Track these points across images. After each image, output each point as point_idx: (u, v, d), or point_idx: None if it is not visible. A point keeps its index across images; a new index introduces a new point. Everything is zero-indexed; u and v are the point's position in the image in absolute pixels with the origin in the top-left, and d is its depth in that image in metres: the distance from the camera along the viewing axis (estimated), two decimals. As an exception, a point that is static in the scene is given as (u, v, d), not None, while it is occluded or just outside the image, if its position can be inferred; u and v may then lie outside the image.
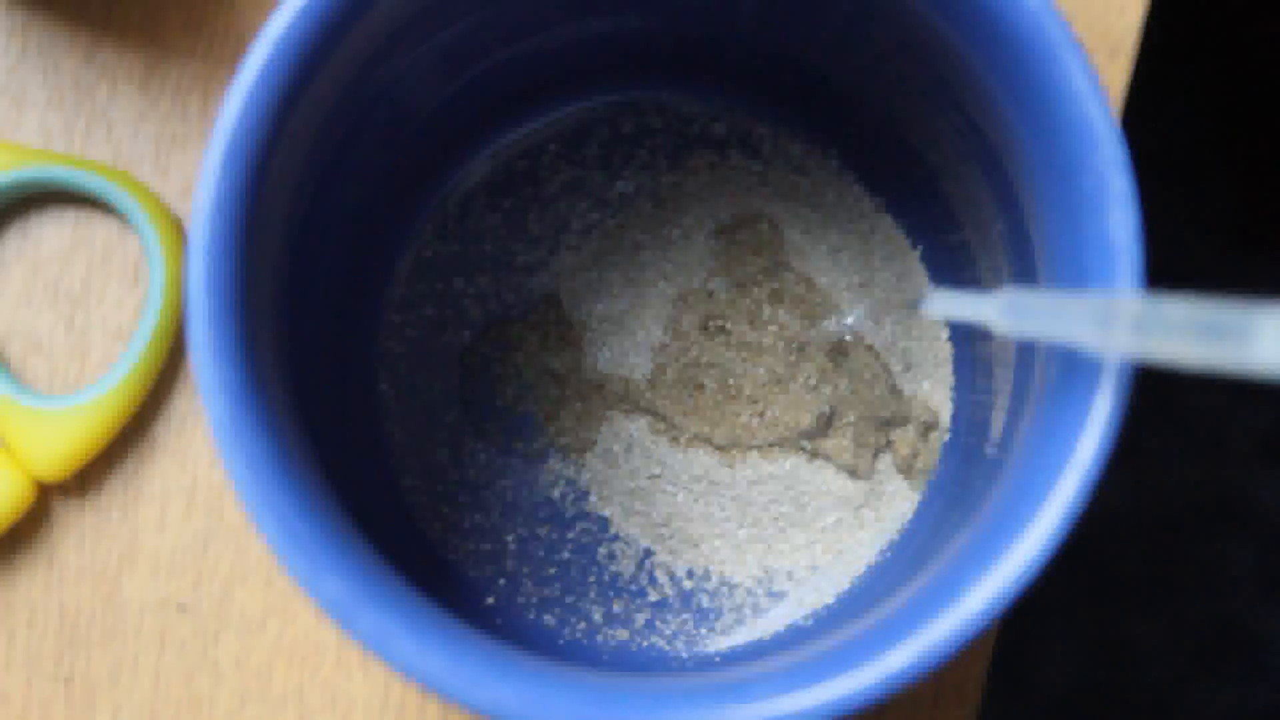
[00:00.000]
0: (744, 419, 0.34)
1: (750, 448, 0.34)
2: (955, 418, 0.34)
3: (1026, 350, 0.28)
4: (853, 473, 0.34)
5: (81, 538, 0.36)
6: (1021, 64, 0.25)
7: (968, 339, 0.34)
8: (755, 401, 0.34)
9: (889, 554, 0.34)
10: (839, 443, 0.34)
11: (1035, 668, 0.88)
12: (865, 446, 0.34)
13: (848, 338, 0.34)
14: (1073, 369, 0.24)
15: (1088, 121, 0.24)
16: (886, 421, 0.34)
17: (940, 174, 0.33)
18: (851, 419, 0.34)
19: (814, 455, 0.34)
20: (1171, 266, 0.88)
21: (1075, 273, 0.25)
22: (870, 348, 0.34)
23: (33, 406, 0.34)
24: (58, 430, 0.34)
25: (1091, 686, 0.87)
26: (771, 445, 0.34)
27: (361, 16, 0.25)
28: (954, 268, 0.34)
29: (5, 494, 0.34)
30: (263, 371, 0.25)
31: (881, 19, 0.28)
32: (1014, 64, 0.25)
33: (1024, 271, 0.28)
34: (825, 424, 0.34)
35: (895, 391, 0.34)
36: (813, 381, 0.34)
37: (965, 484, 0.31)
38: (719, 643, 0.34)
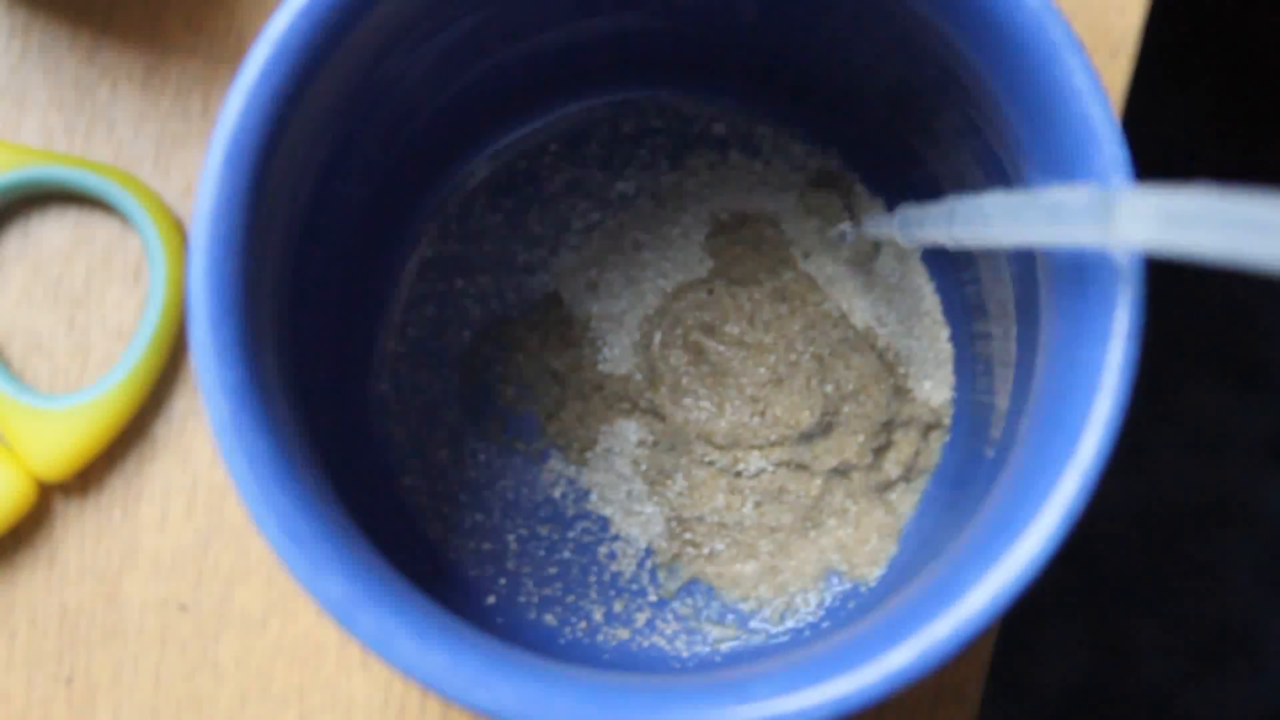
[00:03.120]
0: (744, 418, 0.34)
1: (751, 447, 0.34)
2: (955, 418, 0.34)
3: (1027, 350, 0.28)
4: (853, 472, 0.34)
5: (83, 537, 0.36)
6: (1022, 63, 0.25)
7: (969, 339, 0.34)
8: (756, 400, 0.34)
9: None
10: (840, 442, 0.34)
11: (1035, 667, 0.88)
12: (867, 447, 0.34)
13: (850, 337, 0.34)
14: (1074, 369, 0.24)
15: (1088, 121, 0.24)
16: (888, 422, 0.34)
17: (941, 175, 0.33)
18: (853, 419, 0.34)
19: (815, 454, 0.34)
20: (1171, 266, 0.88)
21: (1074, 271, 0.25)
22: (873, 346, 0.34)
23: (34, 406, 0.34)
24: (59, 430, 0.34)
25: (1091, 686, 0.87)
26: (773, 445, 0.34)
27: (362, 17, 0.25)
28: (955, 267, 0.34)
29: (6, 493, 0.34)
30: (264, 371, 0.25)
31: (882, 19, 0.28)
32: (1015, 63, 0.25)
33: (1024, 271, 0.28)
34: (827, 424, 0.34)
35: (898, 391, 0.34)
36: (814, 381, 0.34)
37: (965, 484, 0.31)
38: (720, 643, 0.34)
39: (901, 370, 0.35)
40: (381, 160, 0.32)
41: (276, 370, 0.25)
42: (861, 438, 0.34)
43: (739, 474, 0.35)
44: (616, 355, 0.35)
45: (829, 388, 0.34)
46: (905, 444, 0.34)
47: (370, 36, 0.26)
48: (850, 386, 0.34)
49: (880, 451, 0.34)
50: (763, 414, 0.34)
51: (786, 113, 0.35)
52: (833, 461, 0.34)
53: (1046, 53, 0.25)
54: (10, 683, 0.35)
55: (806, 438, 0.34)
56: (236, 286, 0.24)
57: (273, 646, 0.36)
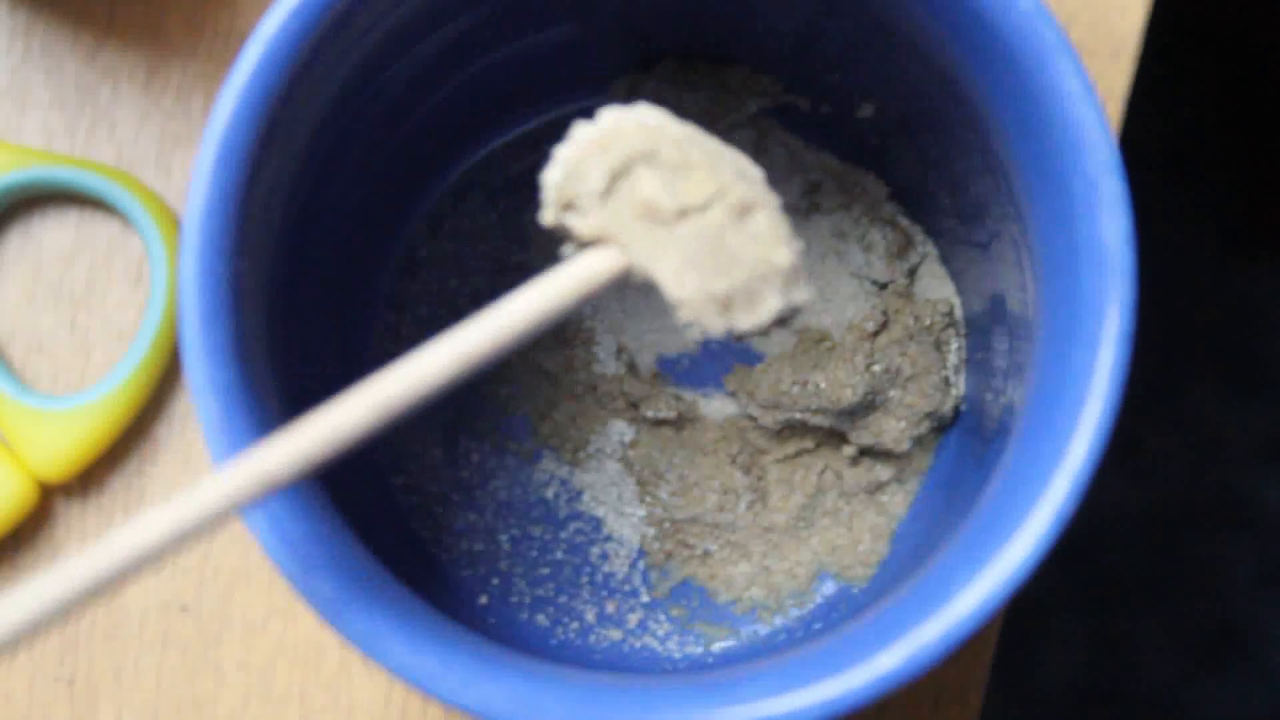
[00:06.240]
0: (785, 385, 0.34)
1: (789, 411, 0.34)
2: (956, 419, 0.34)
3: (1020, 353, 0.28)
4: (889, 456, 0.34)
5: (84, 539, 0.36)
6: (1014, 66, 0.25)
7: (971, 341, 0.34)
8: (797, 370, 0.34)
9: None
10: (879, 424, 0.33)
11: (1035, 668, 0.88)
12: (906, 434, 0.33)
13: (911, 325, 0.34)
14: (1065, 371, 0.24)
15: (1079, 124, 0.24)
16: (929, 414, 0.33)
17: (938, 177, 0.33)
18: (899, 405, 0.33)
19: (853, 430, 0.34)
20: (1172, 266, 0.88)
21: (1068, 275, 0.25)
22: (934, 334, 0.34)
23: (35, 407, 0.35)
24: (60, 431, 0.34)
25: (1091, 686, 0.87)
26: (813, 412, 0.33)
27: (353, 17, 0.25)
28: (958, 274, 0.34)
29: (8, 495, 0.34)
30: (255, 371, 0.25)
31: (876, 25, 0.28)
32: (1007, 66, 0.25)
33: (1017, 274, 0.28)
34: (869, 405, 0.33)
35: (946, 386, 0.34)
36: (860, 359, 0.33)
37: (958, 486, 0.31)
38: (712, 644, 0.34)
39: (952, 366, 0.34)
40: (374, 160, 0.32)
41: (268, 370, 0.26)
42: (903, 424, 0.33)
43: (733, 476, 0.34)
44: (611, 355, 0.35)
45: (878, 368, 0.33)
46: (929, 440, 0.34)
47: (362, 37, 0.26)
48: (906, 372, 0.33)
49: (921, 440, 0.34)
50: (804, 384, 0.33)
51: (787, 116, 0.35)
52: (869, 440, 0.34)
53: (1038, 55, 0.25)
54: (12, 684, 0.36)
55: (847, 414, 0.34)
56: (227, 286, 0.24)
57: (274, 648, 0.36)
